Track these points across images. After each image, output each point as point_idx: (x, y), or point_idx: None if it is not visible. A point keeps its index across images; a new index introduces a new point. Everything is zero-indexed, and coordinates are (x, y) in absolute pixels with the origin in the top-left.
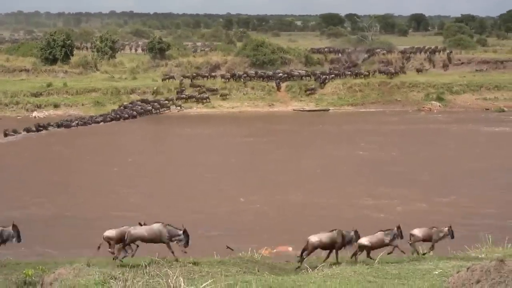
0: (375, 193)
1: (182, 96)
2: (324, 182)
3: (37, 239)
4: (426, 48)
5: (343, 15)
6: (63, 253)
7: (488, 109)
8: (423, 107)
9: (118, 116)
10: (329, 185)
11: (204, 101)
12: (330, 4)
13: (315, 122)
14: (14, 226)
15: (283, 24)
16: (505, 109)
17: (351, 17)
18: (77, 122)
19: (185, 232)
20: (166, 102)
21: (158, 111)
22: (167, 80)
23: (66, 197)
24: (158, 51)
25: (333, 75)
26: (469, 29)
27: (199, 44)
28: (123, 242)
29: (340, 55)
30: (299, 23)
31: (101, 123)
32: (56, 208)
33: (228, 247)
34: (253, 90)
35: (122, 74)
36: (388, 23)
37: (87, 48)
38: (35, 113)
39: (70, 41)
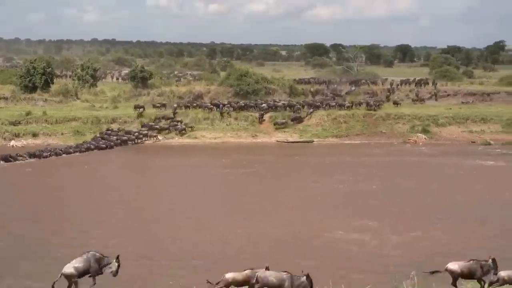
0: (350, 226)
1: (155, 126)
2: (302, 214)
3: None
4: (411, 80)
5: (328, 45)
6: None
7: (474, 142)
8: (409, 139)
9: (93, 146)
10: (306, 217)
11: (183, 131)
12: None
13: (298, 154)
14: (117, 259)
15: (267, 53)
16: (491, 142)
17: (336, 47)
18: (50, 152)
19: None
20: (146, 132)
21: (136, 141)
22: (139, 110)
23: (25, 229)
24: (140, 80)
25: (317, 106)
26: (455, 60)
27: (180, 73)
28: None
29: (325, 85)
30: (283, 52)
31: (76, 153)
32: (15, 238)
33: (208, 282)
34: (236, 120)
35: (103, 103)
36: (373, 54)
37: (68, 76)
38: (13, 142)
39: (50, 68)
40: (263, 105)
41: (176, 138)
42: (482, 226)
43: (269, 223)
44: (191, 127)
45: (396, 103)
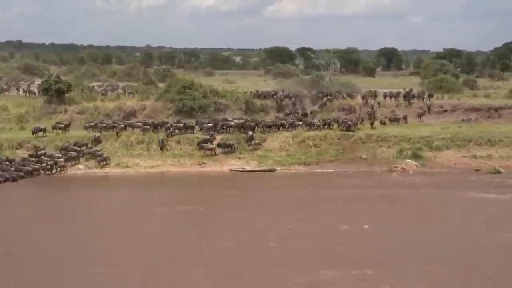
0: (312, 281)
1: (71, 154)
2: (250, 265)
3: None
4: (396, 92)
5: (294, 50)
6: None
7: (478, 169)
8: (395, 166)
9: None
10: (254, 269)
11: (104, 162)
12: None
13: (255, 186)
14: None
15: (217, 60)
16: (501, 169)
17: (304, 52)
18: None
19: None
20: (62, 159)
21: (50, 171)
22: (59, 131)
23: None
24: (55, 93)
25: (280, 126)
26: (453, 67)
27: (107, 84)
28: None
29: (289, 100)
30: (238, 59)
31: None
32: None
33: None
34: (179, 144)
35: (6, 123)
36: (350, 60)
37: None
38: None
39: None
40: (209, 124)
41: (100, 167)
42: (480, 280)
43: (203, 275)
44: (107, 157)
45: (383, 123)
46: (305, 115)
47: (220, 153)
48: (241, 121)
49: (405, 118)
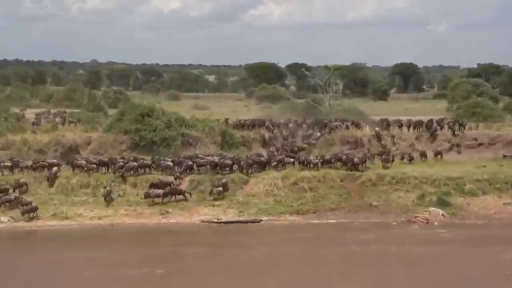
0: None
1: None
2: None
3: None
4: (416, 120)
5: (283, 67)
6: None
7: None
8: (416, 216)
9: None
10: None
11: (31, 213)
12: (262, 48)
13: (233, 244)
14: None
15: (185, 79)
16: None
17: (296, 69)
18: None
19: None
20: None
21: None
22: None
23: None
24: None
25: (265, 164)
26: (491, 87)
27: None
28: None
29: (278, 131)
30: (211, 78)
31: None
32: None
33: None
34: (135, 189)
35: None
36: (356, 79)
37: None
38: None
39: None
40: (167, 162)
41: (34, 220)
42: None
43: None
44: (30, 202)
45: (410, 159)
46: (298, 149)
47: (193, 199)
48: (215, 158)
49: (423, 155)
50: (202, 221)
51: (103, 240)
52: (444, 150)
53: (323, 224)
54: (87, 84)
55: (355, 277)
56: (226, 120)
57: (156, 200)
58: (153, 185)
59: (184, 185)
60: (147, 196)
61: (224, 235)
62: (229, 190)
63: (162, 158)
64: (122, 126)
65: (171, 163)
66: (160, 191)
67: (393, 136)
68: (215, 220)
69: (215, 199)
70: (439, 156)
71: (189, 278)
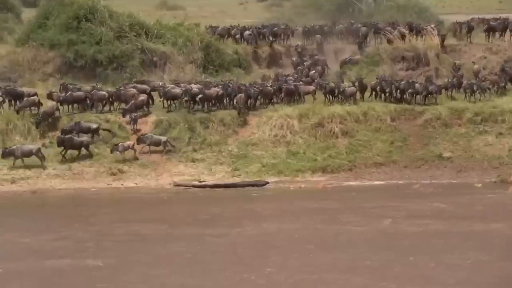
0: None
1: None
2: None
3: None
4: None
5: None
6: None
7: None
8: None
9: None
10: None
11: None
12: None
13: (220, 221)
14: None
15: None
16: None
17: None
18: None
19: None
20: None
21: None
22: None
23: None
24: None
25: (271, 95)
26: None
27: None
28: None
29: (293, 45)
30: None
31: None
32: None
33: None
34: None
35: None
36: None
37: None
38: None
39: None
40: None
41: None
42: None
43: None
44: None
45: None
46: (323, 74)
47: (154, 153)
48: (196, 86)
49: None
50: (176, 185)
51: (16, 216)
52: None
53: (364, 188)
54: None
55: (413, 268)
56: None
57: (119, 155)
58: (64, 131)
59: (146, 128)
60: (114, 149)
61: (207, 206)
62: (218, 136)
63: (94, 87)
64: (46, 36)
65: (105, 93)
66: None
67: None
68: (195, 183)
69: (195, 151)
70: None
71: (139, 273)
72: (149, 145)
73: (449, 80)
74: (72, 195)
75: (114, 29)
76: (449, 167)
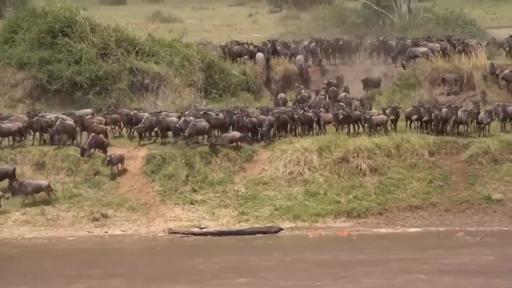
0: None
1: None
2: None
3: None
4: None
5: None
6: None
7: None
8: None
9: None
10: None
11: None
12: None
13: (225, 277)
14: None
15: None
16: None
17: None
18: None
19: None
20: None
21: None
22: None
23: None
24: None
25: (284, 123)
26: None
27: None
28: None
29: (314, 62)
30: None
31: None
32: None
33: None
34: (41, 170)
35: None
36: None
37: None
38: None
39: None
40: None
41: None
42: None
43: None
44: None
45: None
46: (350, 97)
47: (155, 190)
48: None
49: None
50: (171, 232)
51: None
52: None
53: (396, 236)
54: None
55: None
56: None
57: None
58: None
59: (136, 164)
60: None
61: (210, 259)
62: (222, 173)
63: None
64: (14, 53)
65: (71, 124)
66: None
67: None
68: (195, 230)
69: (194, 191)
70: None
71: None
72: (28, 194)
73: (500, 106)
74: (44, 246)
75: (97, 46)
76: (500, 212)
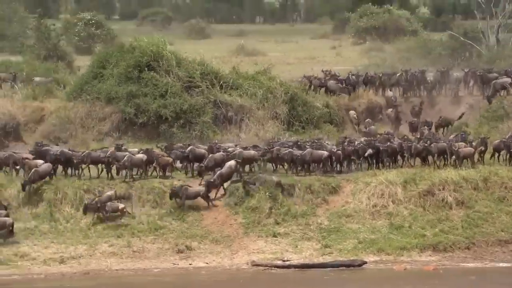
0: None
1: None
2: None
3: None
4: None
5: None
6: None
7: None
8: None
9: None
10: None
11: None
12: None
13: None
14: None
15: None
16: None
17: None
18: None
19: None
20: None
21: None
22: None
23: None
24: None
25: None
26: None
27: None
28: None
29: (400, 91)
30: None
31: None
32: None
33: None
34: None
35: None
36: None
37: None
38: None
39: None
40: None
41: None
42: None
43: None
44: None
45: None
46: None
47: (238, 222)
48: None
49: None
50: (254, 265)
51: None
52: None
53: (485, 271)
54: (33, 8)
55: None
56: (309, 82)
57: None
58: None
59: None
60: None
61: None
62: (305, 206)
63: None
64: (102, 88)
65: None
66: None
67: None
68: (278, 263)
69: (277, 223)
70: None
71: None
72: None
73: None
74: (131, 278)
75: (183, 79)
76: None
